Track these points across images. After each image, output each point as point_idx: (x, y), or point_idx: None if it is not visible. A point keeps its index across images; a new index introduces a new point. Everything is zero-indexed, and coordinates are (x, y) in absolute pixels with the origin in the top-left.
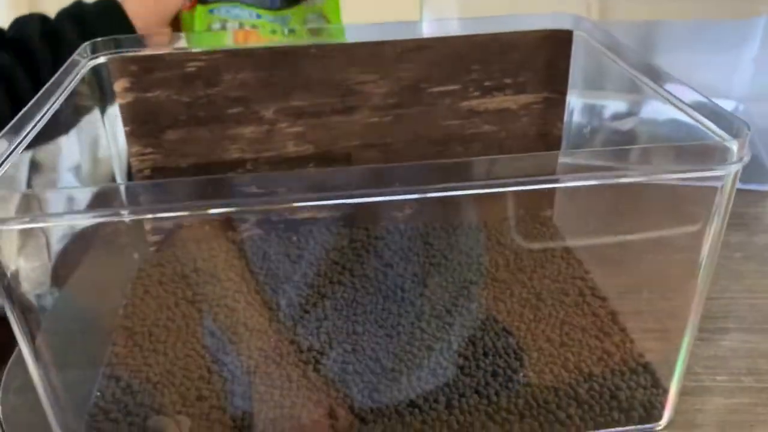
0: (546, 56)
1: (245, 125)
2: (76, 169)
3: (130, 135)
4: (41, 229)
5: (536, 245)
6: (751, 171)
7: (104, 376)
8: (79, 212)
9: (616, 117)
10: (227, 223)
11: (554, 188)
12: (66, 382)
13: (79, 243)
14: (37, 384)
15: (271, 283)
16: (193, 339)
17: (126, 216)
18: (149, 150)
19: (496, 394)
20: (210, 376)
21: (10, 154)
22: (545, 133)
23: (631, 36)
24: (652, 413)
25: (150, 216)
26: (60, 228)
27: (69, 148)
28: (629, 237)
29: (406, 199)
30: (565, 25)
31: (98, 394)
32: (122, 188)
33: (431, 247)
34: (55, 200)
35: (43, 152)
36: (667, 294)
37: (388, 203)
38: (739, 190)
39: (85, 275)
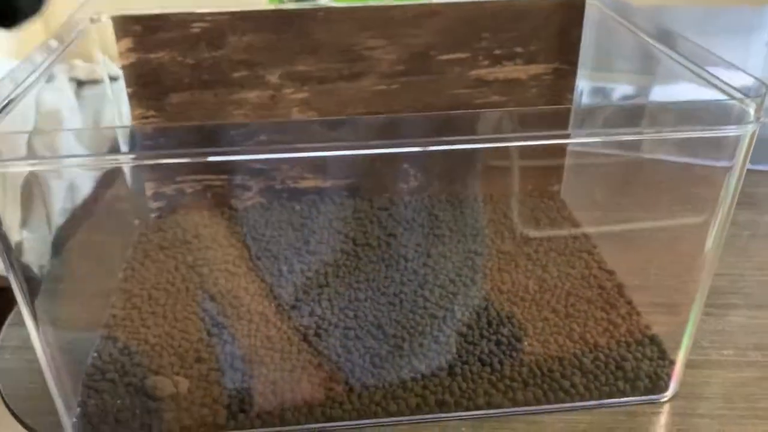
0: (558, 25)
1: (250, 90)
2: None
3: (132, 97)
4: (43, 201)
5: (543, 219)
6: (761, 151)
7: (102, 338)
8: (83, 155)
9: (630, 83)
10: (230, 190)
11: (562, 164)
12: (64, 344)
13: (82, 209)
14: (35, 344)
15: (273, 250)
16: (192, 302)
17: (128, 161)
18: (152, 113)
19: (500, 362)
20: (210, 339)
21: (11, 99)
22: (555, 105)
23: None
24: (657, 384)
25: (152, 162)
26: (60, 199)
27: (71, 115)
28: (637, 213)
29: (410, 172)
30: None
31: (95, 354)
32: (125, 131)
33: (436, 218)
34: (60, 141)
35: (47, 120)
36: (675, 268)
37: (392, 173)
38: (749, 171)
39: (87, 240)
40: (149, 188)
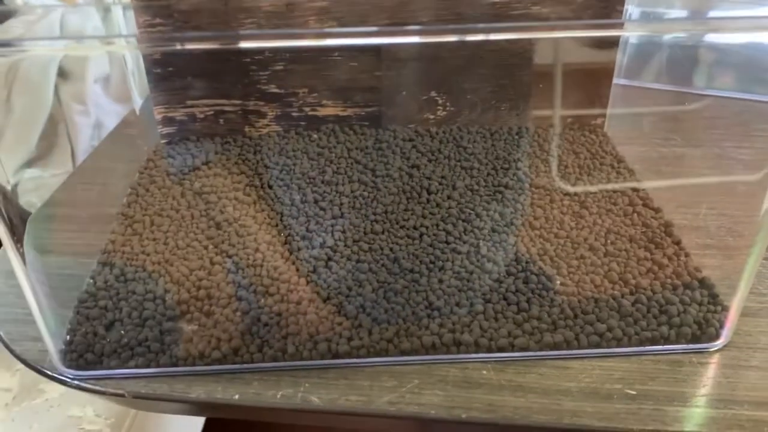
0: None
1: None
2: (105, 81)
3: (136, 8)
4: (69, 139)
5: (583, 152)
6: None
7: (99, 264)
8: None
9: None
10: (243, 117)
11: (607, 94)
12: (59, 271)
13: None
14: (18, 273)
15: (286, 179)
16: (197, 229)
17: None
18: (158, 20)
19: (528, 301)
20: (212, 267)
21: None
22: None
23: None
24: (707, 332)
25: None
26: (87, 137)
27: (97, 57)
28: (687, 149)
29: (438, 101)
30: None
31: (90, 281)
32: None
33: (464, 150)
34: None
35: (72, 61)
36: (730, 207)
37: (419, 102)
38: None
39: (93, 165)
40: (158, 112)
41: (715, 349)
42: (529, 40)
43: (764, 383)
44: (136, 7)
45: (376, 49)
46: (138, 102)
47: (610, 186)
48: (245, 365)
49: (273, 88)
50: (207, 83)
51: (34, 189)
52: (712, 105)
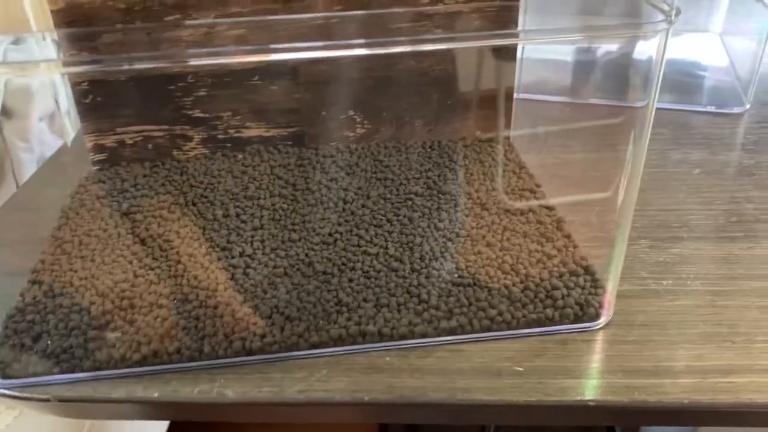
0: None
1: (184, 28)
2: (50, 118)
3: (63, 39)
4: (13, 173)
5: (488, 160)
6: (722, 95)
7: (29, 282)
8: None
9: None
10: (171, 141)
11: (510, 107)
12: None
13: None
14: None
15: (209, 197)
16: (123, 246)
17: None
18: (84, 54)
19: (428, 293)
20: (135, 279)
21: None
22: None
23: None
24: (588, 312)
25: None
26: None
27: (42, 95)
28: (577, 153)
29: (356, 119)
30: None
31: (19, 298)
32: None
33: (380, 163)
34: None
35: (16, 100)
36: (610, 202)
37: (338, 121)
38: (707, 113)
39: (28, 193)
40: (89, 140)
41: (597, 327)
42: (435, 59)
43: (636, 355)
44: (62, 40)
45: (294, 73)
46: (71, 134)
47: (510, 189)
48: (165, 366)
49: (198, 113)
50: (134, 110)
51: None
52: (609, 114)
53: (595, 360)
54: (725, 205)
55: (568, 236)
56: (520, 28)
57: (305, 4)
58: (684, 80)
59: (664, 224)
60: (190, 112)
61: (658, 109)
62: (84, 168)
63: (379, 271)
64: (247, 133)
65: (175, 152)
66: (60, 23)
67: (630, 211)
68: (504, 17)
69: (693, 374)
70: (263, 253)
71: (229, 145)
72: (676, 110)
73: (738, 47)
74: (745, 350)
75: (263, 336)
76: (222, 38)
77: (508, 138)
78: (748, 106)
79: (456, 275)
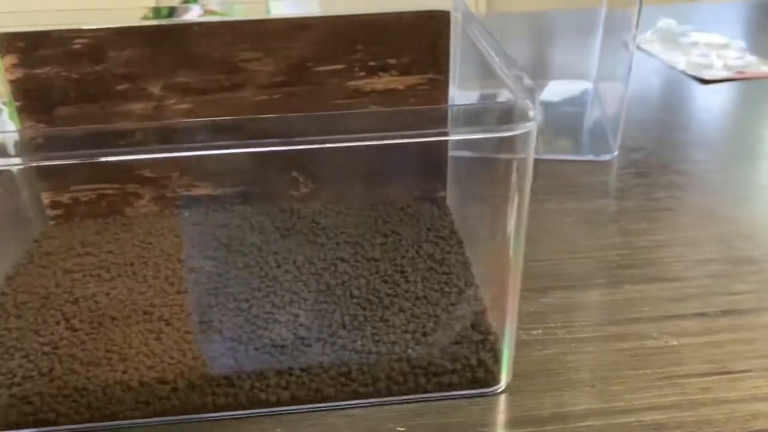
0: (426, 36)
1: (134, 102)
2: None
3: (21, 110)
4: None
5: (420, 225)
6: (592, 142)
7: None
8: None
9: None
10: (123, 199)
11: (446, 169)
12: None
13: None
14: None
15: (146, 256)
16: (56, 306)
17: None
18: (42, 126)
19: (330, 362)
20: (59, 341)
21: None
22: None
23: (522, 24)
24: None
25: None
26: None
27: None
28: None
29: (299, 179)
30: (444, 5)
31: None
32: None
33: (316, 225)
34: None
35: None
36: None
37: (282, 181)
38: (577, 162)
39: None
40: (45, 197)
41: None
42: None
43: (510, 406)
44: (21, 111)
45: (238, 131)
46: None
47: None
48: (69, 426)
49: (147, 173)
50: (88, 170)
51: None
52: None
53: (462, 415)
54: (591, 252)
55: (479, 299)
56: (450, 101)
57: (247, 75)
58: (562, 130)
59: (534, 275)
60: (140, 172)
61: (537, 159)
62: (39, 223)
63: (285, 339)
64: (196, 192)
65: (127, 209)
66: (18, 92)
67: (519, 274)
68: (435, 95)
69: (555, 421)
70: (177, 319)
71: (178, 202)
72: (554, 160)
73: (608, 94)
74: (602, 394)
75: (168, 398)
76: (171, 112)
77: (445, 200)
78: (616, 153)
79: (359, 344)
